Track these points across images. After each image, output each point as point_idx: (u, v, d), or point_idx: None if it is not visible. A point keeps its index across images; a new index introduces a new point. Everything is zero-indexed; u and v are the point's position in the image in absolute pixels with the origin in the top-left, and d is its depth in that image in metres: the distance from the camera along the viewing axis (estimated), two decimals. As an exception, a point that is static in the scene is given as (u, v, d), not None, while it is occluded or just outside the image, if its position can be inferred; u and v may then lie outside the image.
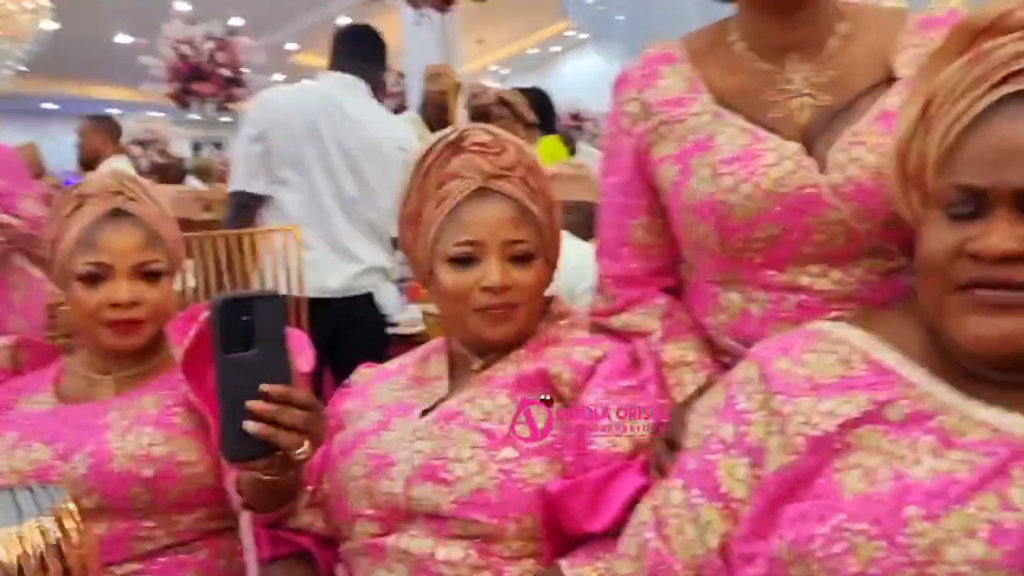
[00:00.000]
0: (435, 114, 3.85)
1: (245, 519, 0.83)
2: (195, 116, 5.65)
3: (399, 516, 0.94)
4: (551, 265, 1.08)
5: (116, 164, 3.81)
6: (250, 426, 0.81)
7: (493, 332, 1.02)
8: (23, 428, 1.12)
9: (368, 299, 2.48)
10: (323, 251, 2.38)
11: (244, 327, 0.82)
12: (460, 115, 4.18)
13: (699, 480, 0.75)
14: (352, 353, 1.27)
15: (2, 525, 0.55)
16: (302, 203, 2.37)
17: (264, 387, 0.82)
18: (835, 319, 0.80)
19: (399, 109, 7.41)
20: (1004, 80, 0.66)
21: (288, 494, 0.96)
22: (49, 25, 6.96)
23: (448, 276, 1.01)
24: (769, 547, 0.67)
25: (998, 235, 0.63)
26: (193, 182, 8.28)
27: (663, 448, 0.88)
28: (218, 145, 10.36)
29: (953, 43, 0.72)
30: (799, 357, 0.74)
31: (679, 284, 1.09)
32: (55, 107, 14.47)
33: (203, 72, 5.04)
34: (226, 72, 5.08)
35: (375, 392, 1.10)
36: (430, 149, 1.04)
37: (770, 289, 0.93)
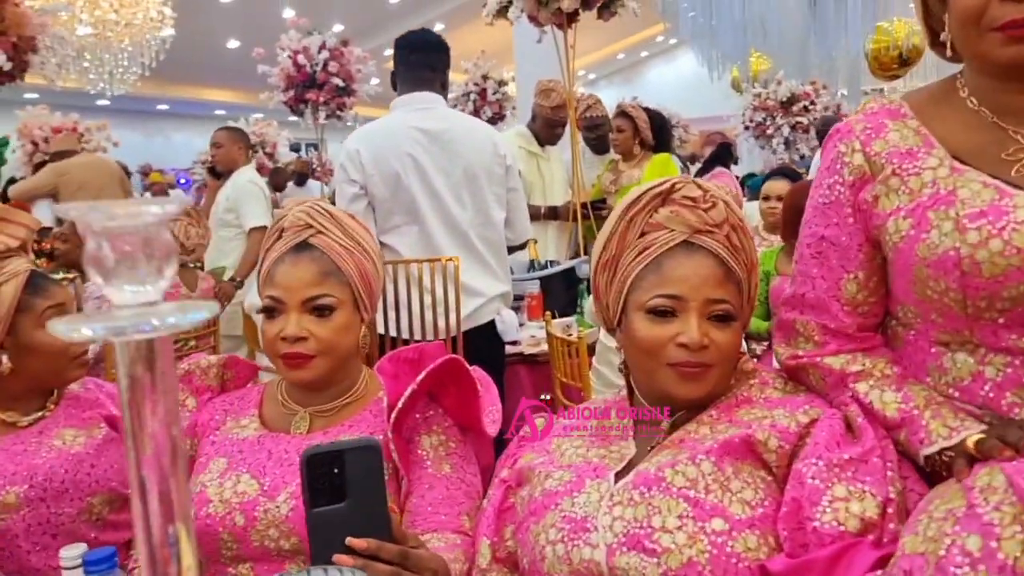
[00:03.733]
0: (545, 128, 3.83)
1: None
2: (297, 120, 5.83)
3: (600, 584, 0.92)
4: (745, 327, 1.04)
5: (247, 172, 3.97)
6: None
7: (683, 390, 0.99)
8: (232, 455, 1.15)
9: (490, 327, 2.48)
10: (441, 290, 2.37)
11: (334, 479, 0.82)
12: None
13: None
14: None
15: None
16: (415, 245, 2.35)
17: (350, 541, 0.82)
18: None
19: (496, 118, 7.45)
20: None
21: None
22: (168, 32, 7.32)
23: (643, 326, 0.99)
24: None
25: None
26: (313, 184, 8.49)
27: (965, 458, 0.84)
28: (315, 147, 10.69)
29: None
30: None
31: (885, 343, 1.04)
32: (166, 108, 15.21)
33: (317, 81, 5.18)
34: (338, 81, 5.20)
35: (558, 448, 1.08)
36: (638, 198, 1.02)
37: (1010, 354, 0.87)
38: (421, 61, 2.42)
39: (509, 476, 1.11)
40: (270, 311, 1.16)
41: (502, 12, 3.06)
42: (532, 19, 3.15)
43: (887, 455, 0.92)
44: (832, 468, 0.89)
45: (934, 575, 0.72)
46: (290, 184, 8.11)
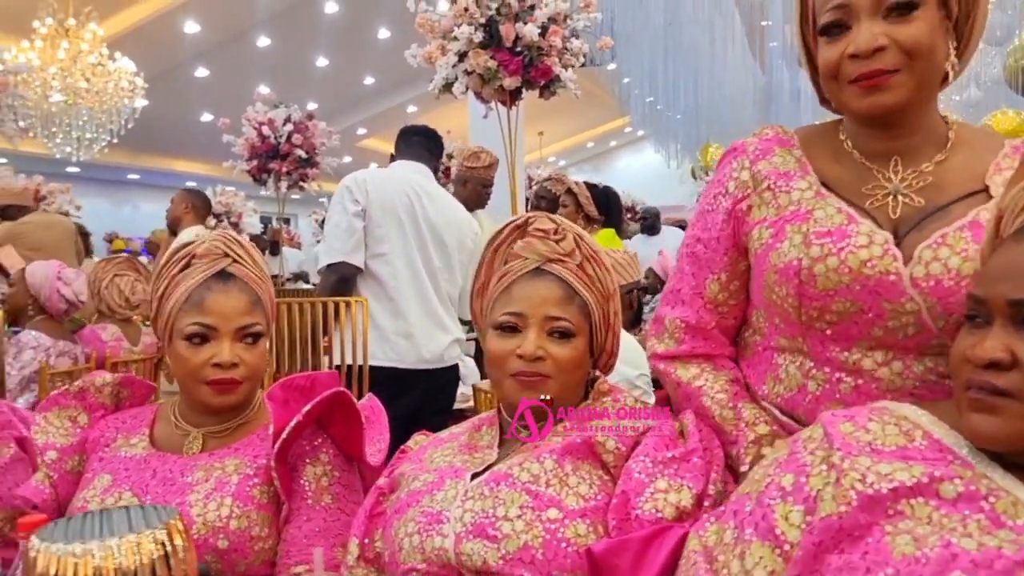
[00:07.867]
0: (477, 189, 3.78)
1: (318, 555, 0.88)
2: (267, 193, 5.98)
3: (449, 571, 0.99)
4: (598, 350, 1.15)
5: (193, 231, 4.07)
6: None
7: (522, 396, 1.09)
8: (118, 472, 1.18)
9: (454, 370, 2.61)
10: (420, 320, 2.49)
11: None
12: (520, 196, 4.29)
13: (754, 521, 0.80)
14: (428, 423, 1.36)
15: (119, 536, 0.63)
16: (400, 274, 2.50)
17: None
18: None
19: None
20: None
21: None
22: (140, 102, 7.52)
23: (493, 342, 1.11)
24: None
25: (990, 343, 0.70)
26: (288, 251, 8.87)
27: None
28: (287, 221, 10.89)
29: (1023, 169, 0.80)
30: (863, 424, 0.80)
31: (736, 355, 1.16)
32: (137, 177, 15.37)
33: (280, 151, 5.36)
34: (301, 152, 5.39)
35: (429, 457, 1.17)
36: (501, 231, 1.15)
37: (831, 366, 0.99)
38: (422, 143, 2.75)
39: (384, 484, 1.19)
40: (199, 337, 1.19)
41: (448, 87, 3.27)
42: (477, 95, 3.36)
43: (712, 458, 1.03)
44: (657, 464, 0.99)
45: (754, 508, 0.82)
46: (266, 252, 8.35)
